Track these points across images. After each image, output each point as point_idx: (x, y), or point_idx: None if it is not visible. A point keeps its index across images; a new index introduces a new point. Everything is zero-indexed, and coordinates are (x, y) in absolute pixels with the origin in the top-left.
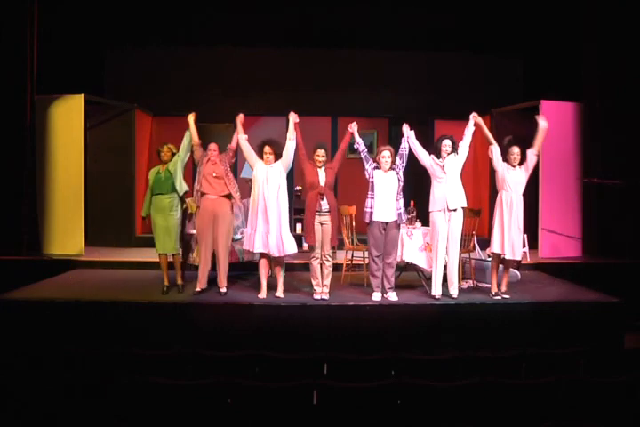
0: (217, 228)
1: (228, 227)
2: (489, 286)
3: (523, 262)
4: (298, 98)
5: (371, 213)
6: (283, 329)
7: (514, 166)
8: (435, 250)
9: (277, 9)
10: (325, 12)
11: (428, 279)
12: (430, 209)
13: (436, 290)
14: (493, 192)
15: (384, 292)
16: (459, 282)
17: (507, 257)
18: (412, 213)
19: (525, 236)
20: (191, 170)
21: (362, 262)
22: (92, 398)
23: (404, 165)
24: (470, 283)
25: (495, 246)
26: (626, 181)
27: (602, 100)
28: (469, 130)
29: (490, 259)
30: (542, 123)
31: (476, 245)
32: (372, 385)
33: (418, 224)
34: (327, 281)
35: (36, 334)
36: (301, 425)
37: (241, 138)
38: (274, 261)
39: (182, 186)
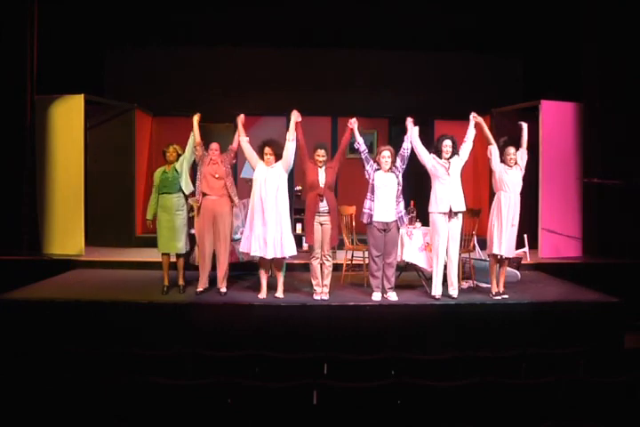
0: (217, 228)
1: (228, 227)
2: (489, 285)
3: (523, 262)
4: (298, 98)
5: (369, 215)
6: (283, 329)
7: (510, 166)
8: (435, 250)
9: (277, 9)
10: (325, 12)
11: (428, 279)
12: (431, 210)
13: (436, 290)
14: (493, 192)
15: (384, 292)
16: (459, 282)
17: (504, 256)
18: (412, 213)
19: (525, 236)
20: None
21: (362, 262)
22: (92, 398)
23: (404, 167)
24: (470, 283)
25: (494, 247)
26: (626, 181)
27: (602, 100)
28: (471, 132)
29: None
30: (522, 123)
31: (476, 245)
32: (372, 385)
33: (418, 224)
34: (327, 281)
35: (35, 334)
36: (301, 425)
37: (242, 140)
38: (274, 262)
39: (189, 185)
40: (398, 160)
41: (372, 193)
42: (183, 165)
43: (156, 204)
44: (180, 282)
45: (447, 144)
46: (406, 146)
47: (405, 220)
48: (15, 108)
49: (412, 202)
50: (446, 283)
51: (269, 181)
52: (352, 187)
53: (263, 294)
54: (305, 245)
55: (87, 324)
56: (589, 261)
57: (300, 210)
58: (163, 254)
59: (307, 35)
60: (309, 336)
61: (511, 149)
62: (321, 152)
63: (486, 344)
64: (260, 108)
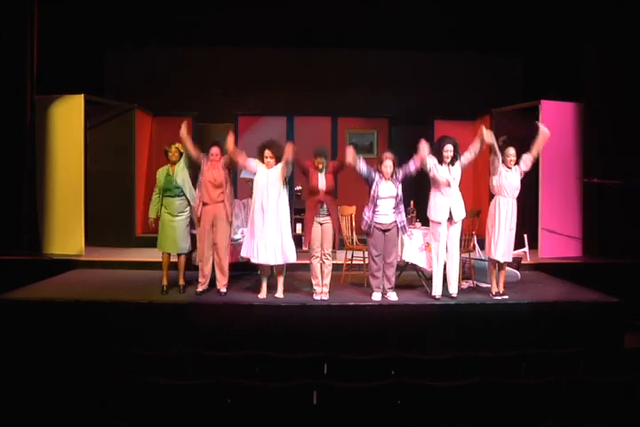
0: (217, 229)
1: (228, 228)
2: (489, 285)
3: (523, 262)
4: (298, 98)
5: (368, 224)
6: (283, 329)
7: (509, 168)
8: (434, 251)
9: (277, 9)
10: (325, 12)
11: (428, 279)
12: (431, 218)
13: (436, 290)
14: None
15: (384, 292)
16: (459, 282)
17: (502, 261)
18: (412, 213)
19: (525, 236)
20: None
21: (362, 262)
22: (92, 398)
23: (401, 178)
24: (470, 283)
25: (492, 253)
26: (626, 181)
27: (602, 100)
28: (476, 146)
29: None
30: (543, 129)
31: (476, 245)
32: (372, 385)
33: (418, 224)
34: (327, 280)
35: (35, 334)
36: (301, 425)
37: (247, 162)
38: (275, 266)
39: (192, 193)
40: (400, 171)
41: (372, 202)
42: (185, 176)
43: (159, 203)
44: (181, 282)
45: (449, 149)
46: (413, 168)
47: (407, 229)
48: (15, 108)
49: (412, 202)
50: (446, 283)
51: (271, 185)
52: (352, 187)
53: (263, 294)
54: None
55: (87, 324)
56: (589, 261)
57: (300, 210)
58: (163, 254)
59: (307, 35)
60: (309, 336)
61: (511, 150)
62: (320, 160)
63: (486, 344)
64: (259, 108)
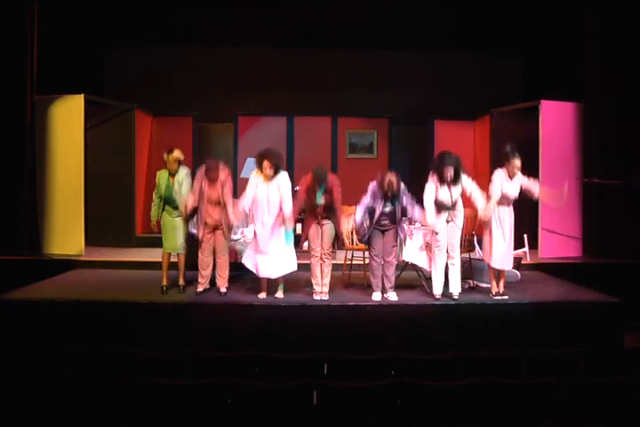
0: (217, 239)
1: (228, 236)
2: (489, 285)
3: (523, 262)
4: (298, 98)
5: (364, 235)
6: (283, 329)
7: (511, 178)
8: (435, 251)
9: (277, 9)
10: (325, 12)
11: (428, 279)
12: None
13: (437, 289)
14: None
15: (384, 292)
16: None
17: (499, 269)
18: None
19: (525, 236)
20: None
21: (362, 262)
22: (92, 398)
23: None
24: (470, 283)
25: (491, 262)
26: (626, 181)
27: (602, 100)
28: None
29: None
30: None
31: (476, 245)
32: (372, 385)
33: (418, 224)
34: (327, 280)
35: (35, 334)
36: (301, 425)
37: (244, 202)
38: None
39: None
40: (403, 200)
41: (371, 217)
42: (186, 194)
43: (160, 207)
44: (181, 282)
45: (449, 172)
46: (410, 211)
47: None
48: (15, 108)
49: None
50: (447, 283)
51: (272, 201)
52: (352, 187)
53: (263, 294)
54: (305, 245)
55: (87, 324)
56: (589, 261)
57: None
58: (163, 253)
59: (307, 35)
60: (309, 336)
61: (517, 162)
62: (319, 179)
63: (486, 344)
64: (260, 108)
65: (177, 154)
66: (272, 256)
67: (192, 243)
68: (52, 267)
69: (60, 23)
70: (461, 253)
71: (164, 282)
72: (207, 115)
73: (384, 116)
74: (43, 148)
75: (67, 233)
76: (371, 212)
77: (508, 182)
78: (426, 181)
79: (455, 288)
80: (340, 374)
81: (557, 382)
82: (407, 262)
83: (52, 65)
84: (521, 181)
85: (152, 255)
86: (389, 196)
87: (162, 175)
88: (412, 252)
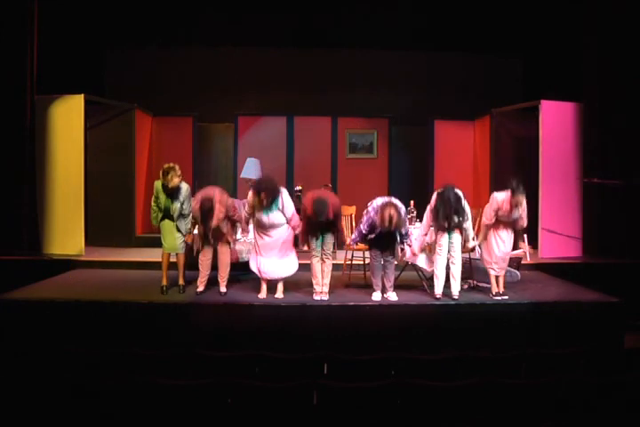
0: (219, 249)
1: (230, 245)
2: (489, 285)
3: (523, 262)
4: (298, 98)
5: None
6: (283, 329)
7: (510, 207)
8: (436, 251)
9: (278, 9)
10: (326, 12)
11: (428, 279)
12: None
13: (438, 289)
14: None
15: (384, 292)
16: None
17: (496, 274)
18: (412, 213)
19: (525, 236)
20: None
21: (362, 262)
22: (92, 399)
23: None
24: (470, 283)
25: (489, 269)
26: (626, 181)
27: (602, 100)
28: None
29: None
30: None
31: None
32: (372, 385)
33: (418, 224)
34: (327, 280)
35: (35, 334)
36: (301, 425)
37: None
38: None
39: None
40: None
41: (369, 236)
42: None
43: (159, 215)
44: (180, 282)
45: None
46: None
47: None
48: (15, 108)
49: (412, 202)
50: (447, 283)
51: (275, 226)
52: (352, 187)
53: (263, 294)
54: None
55: (87, 324)
56: (589, 261)
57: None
58: (163, 254)
59: (307, 35)
60: (309, 336)
61: (521, 198)
62: (321, 207)
63: (486, 344)
64: (260, 108)
65: (174, 178)
66: (275, 259)
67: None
68: (52, 267)
69: (60, 23)
70: (462, 253)
71: (164, 282)
72: (207, 115)
73: (384, 116)
74: (43, 148)
75: (67, 233)
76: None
77: (505, 215)
78: (426, 180)
79: (455, 288)
80: (340, 374)
81: (557, 382)
82: (407, 262)
83: (52, 65)
84: (520, 212)
85: (152, 255)
86: (389, 230)
87: (160, 189)
88: (415, 254)
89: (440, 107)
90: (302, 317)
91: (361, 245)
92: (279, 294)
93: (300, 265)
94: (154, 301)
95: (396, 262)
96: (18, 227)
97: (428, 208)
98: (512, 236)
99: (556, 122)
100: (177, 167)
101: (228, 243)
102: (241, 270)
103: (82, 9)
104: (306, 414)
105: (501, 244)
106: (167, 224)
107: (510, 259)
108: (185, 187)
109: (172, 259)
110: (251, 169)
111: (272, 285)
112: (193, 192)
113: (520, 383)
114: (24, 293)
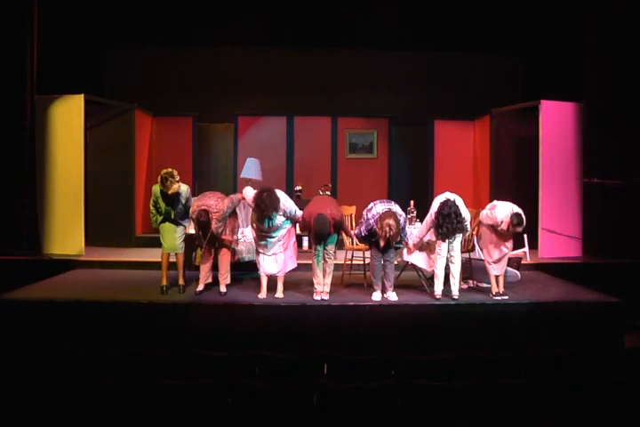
0: (220, 249)
1: (230, 247)
2: (489, 286)
3: (523, 262)
4: (298, 98)
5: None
6: (283, 329)
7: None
8: (437, 251)
9: (277, 9)
10: (326, 12)
11: (428, 279)
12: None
13: (437, 289)
14: (493, 193)
15: (384, 292)
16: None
17: (497, 275)
18: (412, 213)
19: (525, 236)
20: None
21: (362, 262)
22: (92, 399)
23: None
24: (470, 283)
25: (489, 269)
26: (626, 181)
27: (602, 100)
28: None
29: None
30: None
31: (476, 245)
32: (372, 385)
33: (418, 224)
34: (328, 280)
35: (36, 334)
36: (301, 425)
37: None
38: None
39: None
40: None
41: (365, 236)
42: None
43: (158, 219)
44: (180, 282)
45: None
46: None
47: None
48: (15, 108)
49: (412, 202)
50: (447, 283)
51: (279, 228)
52: (352, 187)
53: (263, 294)
54: (305, 245)
55: (87, 324)
56: (589, 261)
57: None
58: (163, 254)
59: (307, 35)
60: (310, 336)
61: (519, 230)
62: (322, 224)
63: (486, 344)
64: (260, 108)
65: (173, 185)
66: (274, 257)
67: (191, 243)
68: (52, 267)
69: (60, 23)
70: (462, 253)
71: (164, 282)
72: (207, 115)
73: (384, 116)
74: (43, 148)
75: (67, 233)
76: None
77: (501, 228)
78: (425, 180)
79: (455, 288)
80: (340, 374)
81: (557, 382)
82: (407, 262)
83: (51, 65)
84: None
85: (152, 255)
86: (387, 239)
87: (158, 195)
88: (412, 252)
89: (440, 107)
90: (302, 317)
91: (361, 245)
92: (279, 294)
93: (301, 265)
94: (154, 301)
95: (396, 262)
96: (18, 227)
97: (429, 217)
98: (512, 236)
99: (556, 122)
100: (175, 173)
101: (229, 243)
102: (241, 270)
103: (82, 9)
104: (306, 414)
105: (501, 244)
106: (167, 224)
107: (510, 259)
108: (185, 189)
109: (172, 259)
110: (251, 169)
111: (272, 284)
112: (193, 193)
113: (520, 383)
114: (24, 293)
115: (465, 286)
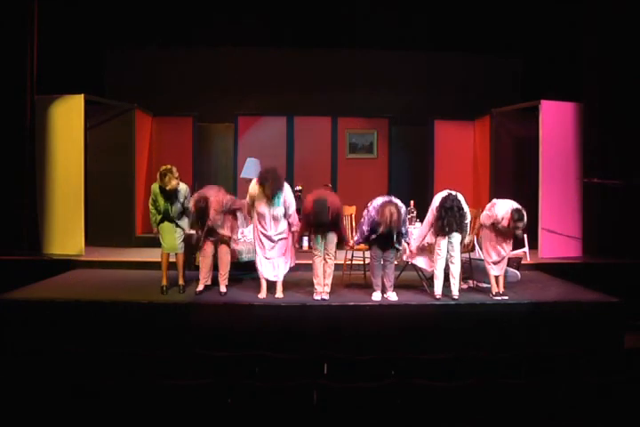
0: (220, 249)
1: (230, 246)
2: (489, 285)
3: (523, 262)
4: (298, 98)
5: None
6: (283, 329)
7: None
8: (435, 252)
9: (277, 9)
10: (325, 12)
11: (428, 279)
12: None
13: (437, 289)
14: (493, 192)
15: (384, 292)
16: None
17: (497, 275)
18: (412, 213)
19: (525, 236)
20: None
21: (362, 262)
22: (92, 399)
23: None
24: (470, 283)
25: (489, 270)
26: (626, 181)
27: (602, 100)
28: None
29: None
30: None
31: (476, 245)
32: (372, 385)
33: (418, 224)
34: (328, 280)
35: (36, 334)
36: (301, 425)
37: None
38: None
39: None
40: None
41: (371, 237)
42: (184, 214)
43: (158, 219)
44: (180, 282)
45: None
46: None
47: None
48: (15, 108)
49: (412, 202)
50: (447, 283)
51: (276, 214)
52: (352, 187)
53: (263, 294)
54: (305, 245)
55: (87, 324)
56: (589, 261)
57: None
58: (163, 254)
59: (307, 35)
60: (310, 336)
61: (520, 226)
62: (322, 206)
63: (486, 344)
64: (260, 108)
65: (171, 180)
66: (273, 260)
67: (191, 243)
68: (52, 267)
69: (60, 23)
70: (462, 252)
71: (164, 282)
72: (207, 115)
73: (384, 116)
74: (43, 148)
75: (67, 233)
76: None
77: (502, 225)
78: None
79: (455, 288)
80: (340, 374)
81: (557, 382)
82: (407, 262)
83: (52, 65)
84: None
85: (152, 255)
86: (389, 228)
87: (158, 193)
88: (412, 252)
89: (440, 107)
90: (302, 317)
91: (361, 245)
92: (279, 294)
93: (302, 265)
94: (154, 301)
95: (396, 262)
96: (18, 227)
97: (430, 214)
98: (512, 236)
99: (556, 122)
100: (174, 169)
101: (228, 242)
102: (241, 270)
103: (82, 9)
104: (306, 414)
105: (501, 244)
106: (166, 225)
107: (510, 259)
108: (184, 187)
109: (172, 259)
110: (251, 169)
111: (272, 284)
112: (192, 192)
113: (520, 383)
114: (24, 293)
115: (465, 286)
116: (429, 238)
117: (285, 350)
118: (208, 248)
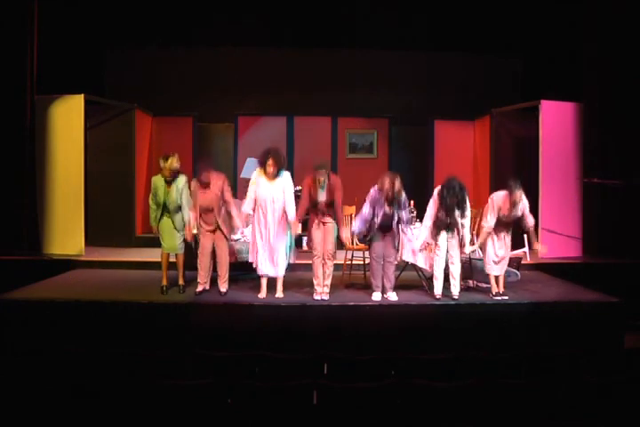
0: (217, 246)
1: (228, 242)
2: (489, 285)
3: (523, 262)
4: (298, 98)
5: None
6: (283, 329)
7: (511, 205)
8: (436, 251)
9: (277, 9)
10: (325, 12)
11: (428, 279)
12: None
13: (437, 289)
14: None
15: (384, 292)
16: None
17: (495, 275)
18: (412, 213)
19: (525, 236)
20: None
21: (362, 262)
22: (92, 399)
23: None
24: (470, 283)
25: (489, 270)
26: (626, 181)
27: (602, 100)
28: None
29: None
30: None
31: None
32: (372, 385)
33: (418, 224)
34: (328, 281)
35: (36, 334)
36: (301, 425)
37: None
38: None
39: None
40: (401, 201)
41: (372, 223)
42: (183, 201)
43: (158, 214)
44: (180, 282)
45: (452, 206)
46: (402, 215)
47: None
48: (15, 108)
49: (412, 202)
50: (447, 283)
51: (275, 200)
52: (352, 187)
53: (263, 294)
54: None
55: (87, 324)
56: (589, 261)
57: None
58: (163, 254)
59: (307, 35)
60: (310, 336)
61: (521, 196)
62: (321, 174)
63: (486, 344)
64: (260, 108)
65: (173, 162)
66: (272, 256)
67: (192, 243)
68: (52, 267)
69: (60, 23)
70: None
71: (164, 282)
72: (207, 115)
73: (384, 116)
74: (43, 148)
75: (67, 233)
76: (370, 219)
77: (505, 209)
78: (425, 180)
79: (455, 288)
80: (340, 374)
81: (557, 382)
82: (407, 262)
83: (52, 65)
84: (522, 206)
85: (152, 255)
86: (390, 196)
87: (158, 182)
88: (412, 252)
89: (440, 107)
90: (302, 317)
91: (361, 245)
92: (279, 294)
93: (300, 265)
94: (154, 301)
95: (396, 262)
96: (18, 227)
97: (431, 201)
98: (510, 236)
99: (556, 122)
100: (177, 155)
101: (225, 237)
102: (241, 270)
103: (82, 9)
104: (306, 414)
105: (501, 244)
106: (166, 224)
107: (510, 259)
108: (183, 178)
109: (172, 259)
110: (251, 169)
111: (272, 284)
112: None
113: (520, 383)
114: (24, 293)
115: (465, 286)
116: (430, 236)
117: (285, 350)
118: (206, 243)
